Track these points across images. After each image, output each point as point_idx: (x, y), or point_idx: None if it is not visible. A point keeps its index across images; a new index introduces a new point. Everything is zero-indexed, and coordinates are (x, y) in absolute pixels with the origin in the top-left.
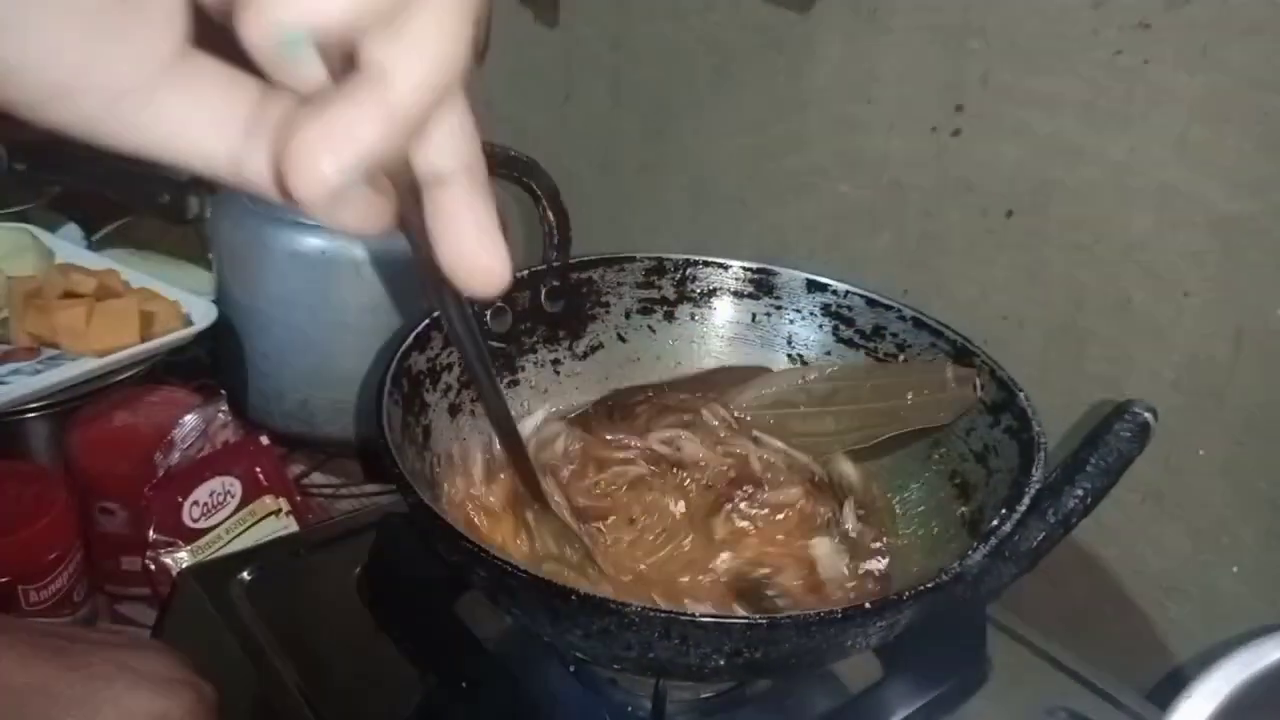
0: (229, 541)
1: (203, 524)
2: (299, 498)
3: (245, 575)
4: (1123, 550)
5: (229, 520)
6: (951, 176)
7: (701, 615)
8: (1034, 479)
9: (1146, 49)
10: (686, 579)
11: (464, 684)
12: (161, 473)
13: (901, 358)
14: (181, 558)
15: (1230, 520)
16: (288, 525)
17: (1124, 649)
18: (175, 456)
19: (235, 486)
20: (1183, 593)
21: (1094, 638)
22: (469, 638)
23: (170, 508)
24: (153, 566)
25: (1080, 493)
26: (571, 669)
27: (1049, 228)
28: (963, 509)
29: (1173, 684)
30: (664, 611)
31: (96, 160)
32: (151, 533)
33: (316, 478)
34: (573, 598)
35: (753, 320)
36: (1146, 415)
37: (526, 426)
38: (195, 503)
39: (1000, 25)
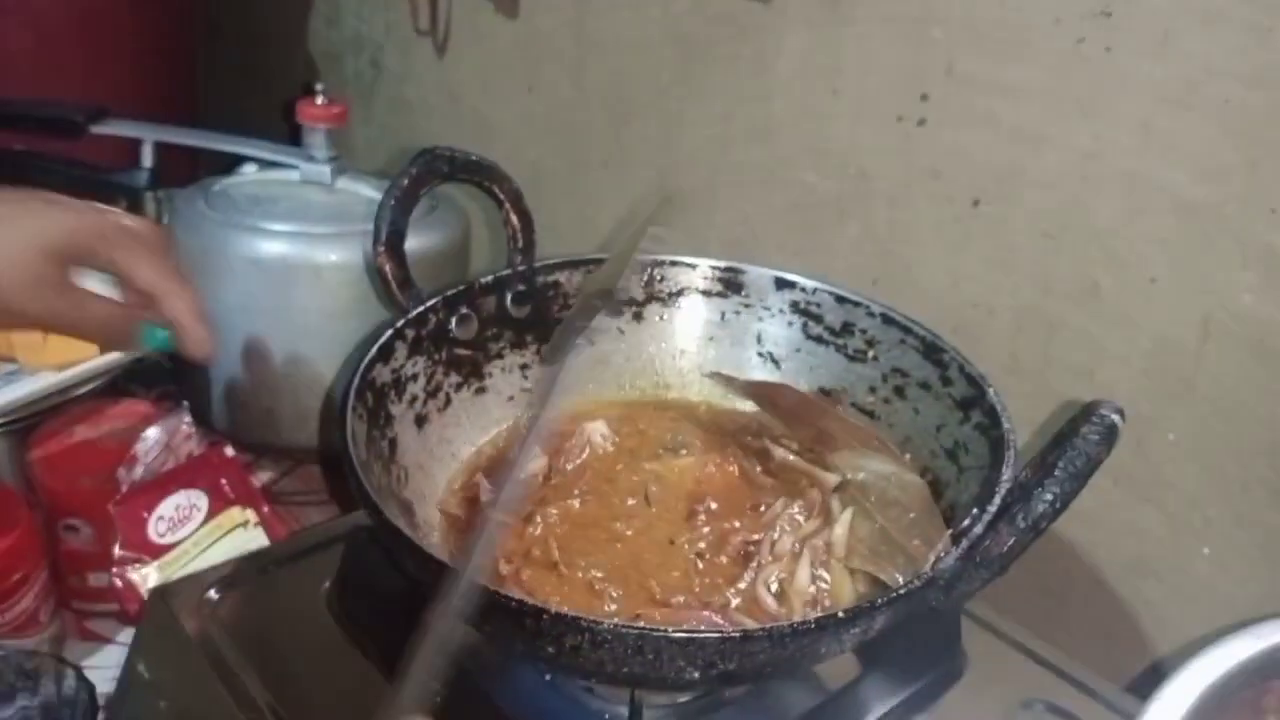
0: (197, 555)
1: (169, 538)
2: (266, 508)
3: (213, 593)
4: (1095, 534)
5: (197, 533)
6: (918, 166)
7: (674, 630)
8: (1004, 477)
9: (1108, 37)
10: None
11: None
12: (125, 487)
13: (871, 354)
14: (148, 573)
15: (1201, 503)
16: (256, 536)
17: (1097, 632)
18: (139, 470)
19: (201, 499)
20: (1155, 575)
21: (1067, 622)
22: None
23: (135, 524)
24: (119, 583)
25: (1049, 497)
26: (547, 678)
27: (1016, 216)
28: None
29: (1153, 675)
30: (636, 628)
31: (49, 167)
32: (117, 549)
33: (285, 485)
34: (544, 616)
35: (722, 319)
36: (1114, 417)
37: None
38: (161, 517)
39: (963, 14)
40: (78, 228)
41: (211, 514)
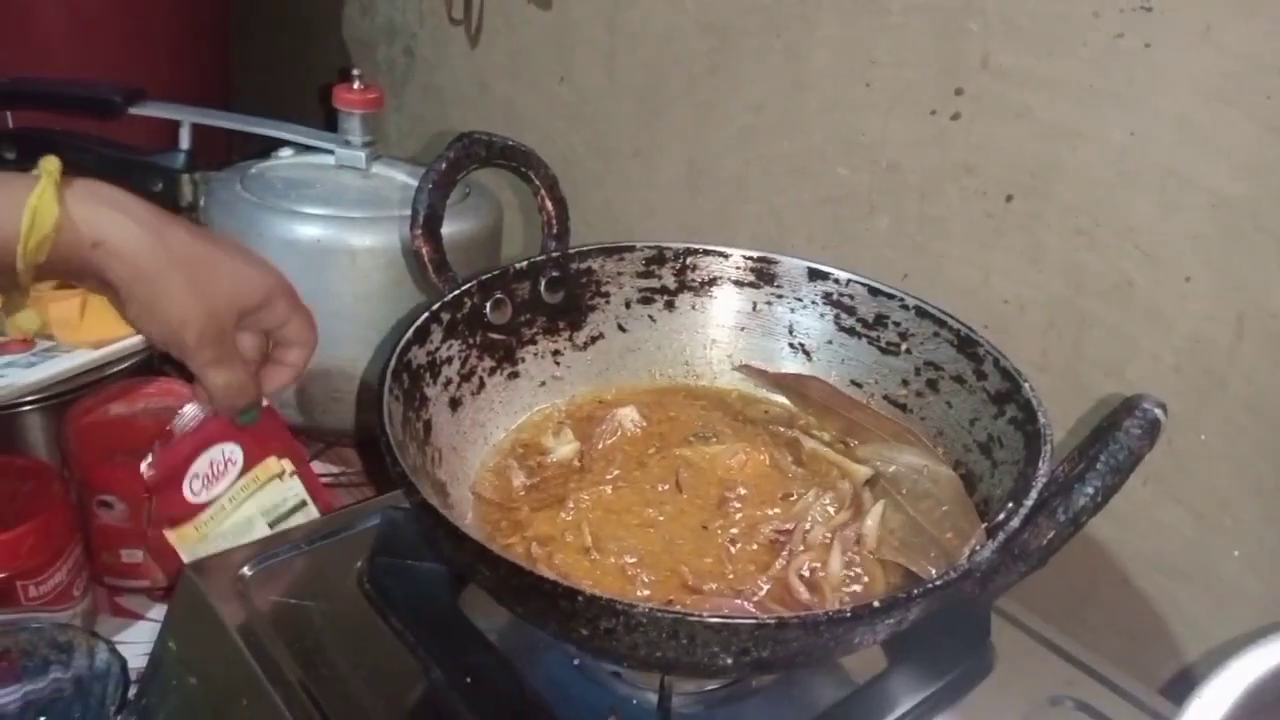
0: (232, 511)
1: (204, 497)
2: (303, 450)
3: (246, 570)
4: (1125, 533)
5: (232, 488)
6: (951, 160)
7: (709, 615)
8: (1041, 472)
9: (1148, 31)
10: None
11: (468, 678)
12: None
13: (904, 347)
14: (186, 532)
15: (1232, 504)
16: (294, 487)
17: (1125, 632)
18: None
19: (236, 453)
20: (1185, 576)
21: (1095, 621)
22: (472, 631)
23: (171, 487)
24: (152, 550)
25: (1091, 490)
26: (576, 662)
27: (1050, 211)
28: None
29: (1181, 676)
30: (671, 612)
31: (87, 148)
32: (152, 511)
33: (316, 467)
34: (579, 598)
35: (754, 309)
36: (1157, 411)
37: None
38: (195, 475)
39: (1000, 7)
40: (269, 290)
41: (248, 466)
